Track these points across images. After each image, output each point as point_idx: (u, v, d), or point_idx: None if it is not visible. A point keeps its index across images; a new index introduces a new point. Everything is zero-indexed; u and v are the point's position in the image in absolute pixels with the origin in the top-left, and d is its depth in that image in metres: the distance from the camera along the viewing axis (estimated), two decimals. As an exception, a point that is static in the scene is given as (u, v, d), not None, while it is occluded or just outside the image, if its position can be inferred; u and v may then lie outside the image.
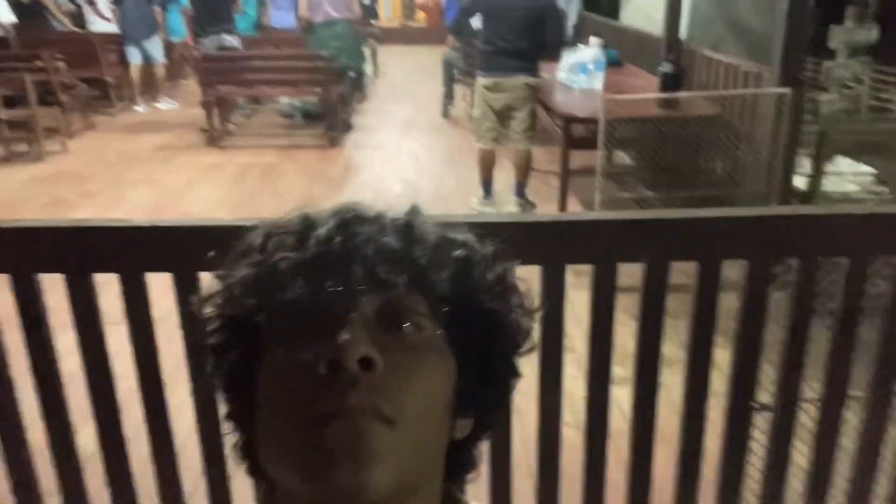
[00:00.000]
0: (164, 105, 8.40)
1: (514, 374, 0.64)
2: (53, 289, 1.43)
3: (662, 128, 3.66)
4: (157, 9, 8.04)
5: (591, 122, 3.91)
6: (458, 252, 0.59)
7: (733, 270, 1.53)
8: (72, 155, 6.38)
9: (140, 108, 8.26)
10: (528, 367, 1.57)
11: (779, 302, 1.63)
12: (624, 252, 1.49)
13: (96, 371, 1.49)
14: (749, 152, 3.80)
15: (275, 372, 0.55)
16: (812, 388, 2.05)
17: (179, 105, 8.45)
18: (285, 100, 7.93)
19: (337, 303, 0.54)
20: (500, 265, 0.62)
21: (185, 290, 1.43)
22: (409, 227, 0.59)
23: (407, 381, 0.53)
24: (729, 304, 1.58)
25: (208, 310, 0.60)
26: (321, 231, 0.57)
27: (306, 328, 0.53)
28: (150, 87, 8.55)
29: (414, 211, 0.61)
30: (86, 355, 1.48)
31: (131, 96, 8.31)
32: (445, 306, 0.58)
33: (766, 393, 1.88)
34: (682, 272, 1.59)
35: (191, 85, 8.02)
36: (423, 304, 0.57)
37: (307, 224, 0.58)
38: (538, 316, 1.49)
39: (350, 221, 0.58)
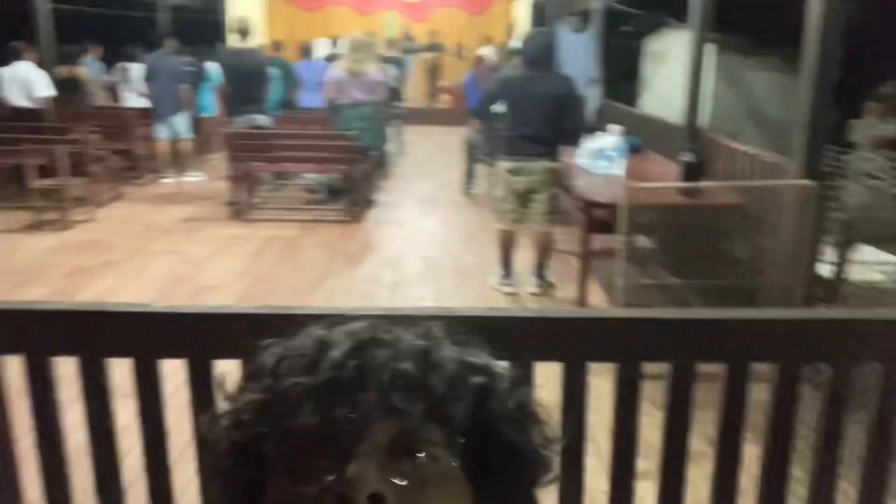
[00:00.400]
0: (191, 178, 8.59)
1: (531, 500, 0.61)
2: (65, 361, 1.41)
3: (684, 216, 3.65)
4: (186, 86, 8.32)
5: (611, 207, 3.92)
6: (477, 380, 0.57)
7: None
8: (98, 224, 6.49)
9: (168, 180, 8.45)
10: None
11: (812, 400, 1.57)
12: (648, 352, 1.45)
13: (102, 450, 1.46)
14: (773, 241, 3.76)
15: (283, 502, 0.52)
16: (846, 495, 1.96)
17: (206, 178, 8.63)
18: (311, 175, 8.09)
19: (348, 431, 0.52)
20: (520, 392, 0.60)
21: (198, 375, 1.41)
22: (426, 352, 0.57)
23: None
24: (758, 395, 1.52)
25: (217, 432, 0.58)
26: (335, 354, 0.55)
27: (315, 457, 0.52)
28: (177, 160, 8.78)
29: (431, 334, 0.59)
30: (93, 434, 1.46)
31: (160, 168, 8.52)
32: (462, 436, 0.56)
33: (794, 498, 1.79)
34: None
35: (219, 159, 8.21)
36: (439, 433, 0.54)
37: (321, 346, 0.57)
38: (557, 408, 1.45)
39: (365, 344, 0.56)
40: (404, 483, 0.50)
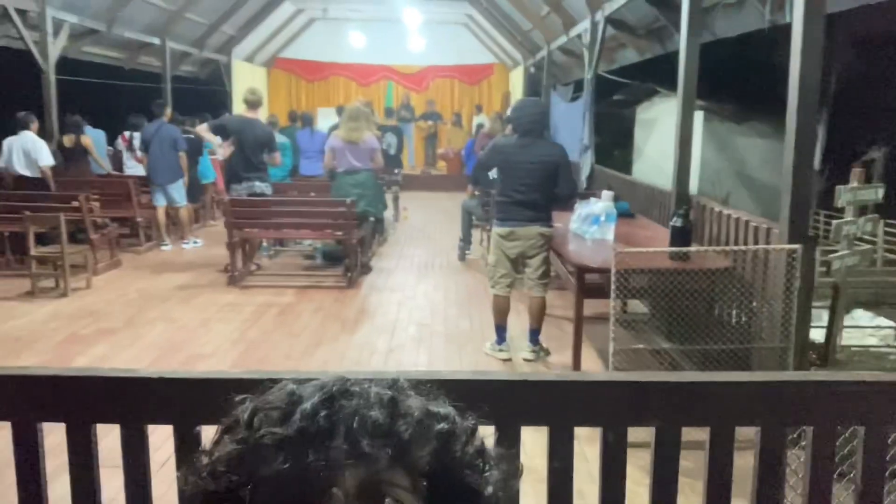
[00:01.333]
0: (190, 245, 8.66)
1: None
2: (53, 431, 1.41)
3: (675, 280, 3.68)
4: (182, 154, 8.47)
5: (603, 271, 3.95)
6: (441, 426, 0.60)
7: (750, 428, 1.49)
8: (95, 291, 6.51)
9: (166, 248, 8.51)
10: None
11: (800, 466, 1.56)
12: (634, 416, 1.46)
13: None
14: (763, 305, 3.79)
15: None
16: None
17: (205, 245, 8.70)
18: (308, 242, 8.16)
19: (319, 477, 0.54)
20: (479, 438, 0.63)
21: (186, 442, 1.41)
22: (392, 400, 0.60)
23: None
24: (747, 462, 1.52)
25: (194, 485, 0.60)
26: (305, 406, 0.58)
27: (288, 503, 0.54)
28: (176, 227, 8.87)
29: (397, 385, 0.62)
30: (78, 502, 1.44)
31: (158, 236, 8.60)
32: (426, 481, 0.58)
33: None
34: (699, 428, 1.55)
35: (219, 225, 8.29)
36: (406, 479, 0.57)
37: (292, 399, 0.60)
38: (546, 477, 1.44)
39: (335, 396, 0.59)
40: None
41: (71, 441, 1.42)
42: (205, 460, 0.61)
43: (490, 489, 0.62)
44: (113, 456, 1.46)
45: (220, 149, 6.94)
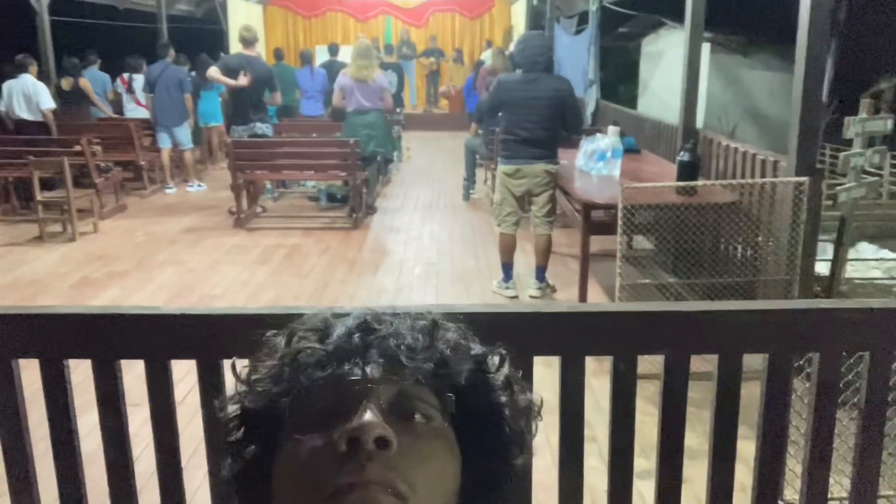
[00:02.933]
0: (194, 188, 8.65)
1: (512, 476, 0.66)
2: (80, 366, 1.46)
3: (681, 214, 3.69)
4: (188, 96, 8.40)
5: (609, 207, 3.96)
6: (476, 350, 0.65)
7: (756, 359, 1.53)
8: (103, 235, 6.55)
9: (171, 191, 8.51)
10: (549, 458, 1.56)
11: (805, 392, 1.61)
12: (643, 345, 1.50)
13: (115, 453, 1.50)
14: (769, 239, 3.80)
15: (294, 455, 0.57)
16: (841, 486, 2.00)
17: (209, 188, 8.70)
18: (312, 183, 8.15)
19: (354, 390, 0.57)
20: (508, 370, 0.67)
21: (208, 376, 1.45)
22: (434, 325, 0.64)
23: (419, 464, 0.56)
24: (753, 392, 1.56)
25: (230, 408, 0.64)
26: (342, 329, 0.62)
27: (325, 413, 0.57)
28: (180, 170, 8.85)
29: (433, 316, 0.66)
30: (106, 438, 1.50)
31: (163, 179, 8.59)
32: (456, 397, 0.61)
33: (792, 491, 1.83)
34: (705, 359, 1.59)
35: (224, 168, 8.28)
36: (433, 398, 0.60)
37: (329, 323, 0.64)
38: (557, 408, 1.49)
39: (369, 322, 0.63)
40: (404, 436, 0.56)
41: (97, 377, 1.46)
42: (241, 386, 0.64)
43: (513, 413, 0.65)
44: (130, 394, 1.50)
45: (243, 79, 6.85)
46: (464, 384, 0.62)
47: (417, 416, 0.58)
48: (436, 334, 0.63)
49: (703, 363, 1.62)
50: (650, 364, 1.64)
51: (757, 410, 1.52)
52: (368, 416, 0.54)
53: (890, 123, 3.72)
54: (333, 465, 0.54)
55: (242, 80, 6.84)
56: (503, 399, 0.64)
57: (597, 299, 4.57)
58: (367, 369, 0.59)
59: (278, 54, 10.50)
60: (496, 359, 0.66)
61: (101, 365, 1.44)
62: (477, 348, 0.65)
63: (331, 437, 0.55)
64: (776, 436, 1.53)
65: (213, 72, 7.10)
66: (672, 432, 1.52)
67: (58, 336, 1.42)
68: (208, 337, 1.41)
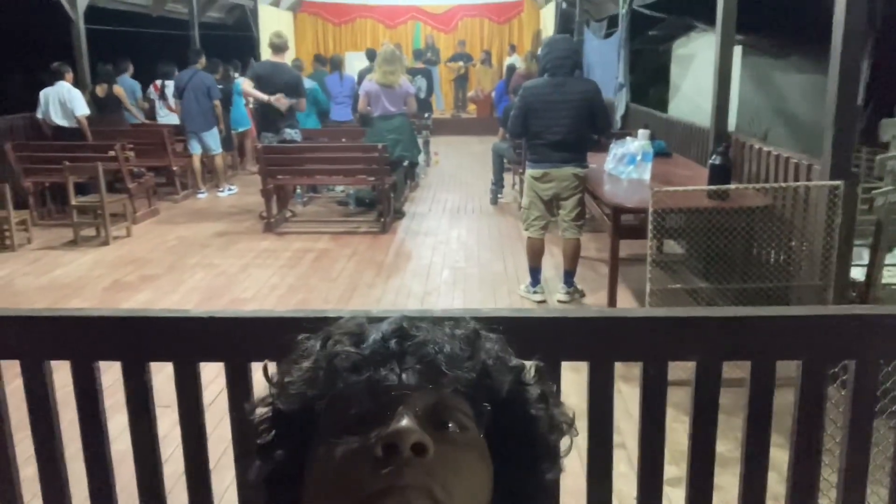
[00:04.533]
0: (225, 192, 8.76)
1: (543, 490, 0.66)
2: (110, 369, 1.47)
3: (712, 219, 3.64)
4: (217, 103, 8.51)
5: (640, 211, 3.91)
6: (514, 362, 0.65)
7: (790, 366, 1.49)
8: (135, 239, 6.66)
9: (202, 195, 8.63)
10: (578, 464, 1.54)
11: (840, 400, 1.57)
12: (674, 351, 1.47)
13: (145, 454, 1.52)
14: (803, 243, 3.73)
15: (328, 458, 0.57)
16: (878, 496, 1.94)
17: (240, 192, 8.80)
18: (340, 188, 8.20)
19: (391, 395, 0.57)
20: (545, 383, 0.66)
21: (237, 378, 1.46)
22: (476, 334, 0.64)
23: (455, 472, 0.55)
24: (786, 400, 1.53)
25: (261, 410, 0.64)
26: (377, 334, 0.62)
27: (360, 418, 0.57)
28: (211, 175, 8.97)
29: (466, 323, 0.66)
30: (136, 440, 1.51)
31: (195, 184, 8.71)
32: (494, 409, 0.61)
33: (826, 500, 1.78)
34: (737, 366, 1.55)
35: (254, 173, 8.38)
36: (469, 408, 0.60)
37: (364, 329, 0.63)
38: (586, 413, 1.47)
39: (405, 328, 0.63)
40: (439, 443, 0.55)
41: (127, 380, 1.48)
42: (274, 389, 0.64)
43: (547, 427, 0.65)
44: (159, 396, 1.52)
45: (279, 102, 6.90)
46: (503, 397, 0.61)
47: (451, 426, 0.58)
48: (477, 344, 0.62)
49: (735, 369, 1.59)
50: (680, 370, 1.62)
51: (791, 418, 1.49)
52: (406, 422, 0.54)
53: (929, 126, 3.64)
54: (369, 469, 0.54)
55: (280, 101, 6.88)
56: (539, 413, 0.64)
57: (626, 303, 4.52)
58: (404, 376, 0.58)
59: (320, 60, 10.63)
60: (532, 371, 0.66)
61: (130, 367, 1.46)
62: (515, 360, 0.65)
63: (367, 441, 0.55)
64: (810, 445, 1.49)
65: (247, 86, 7.17)
66: (703, 439, 1.49)
67: (88, 338, 1.43)
68: (237, 340, 1.42)
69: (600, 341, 1.45)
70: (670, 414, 1.49)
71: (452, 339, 0.62)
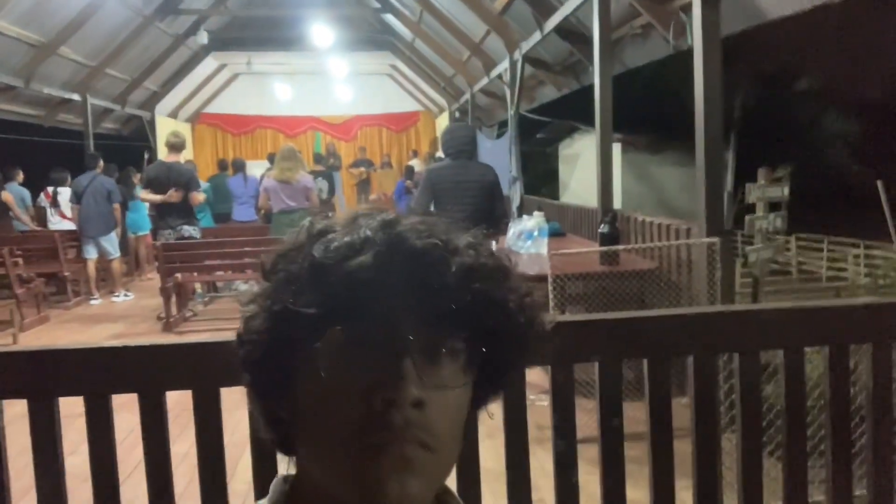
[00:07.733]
0: (121, 298, 8.44)
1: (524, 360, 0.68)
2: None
3: (606, 283, 3.87)
4: (117, 206, 8.36)
5: (541, 279, 4.11)
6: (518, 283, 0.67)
7: (678, 410, 1.61)
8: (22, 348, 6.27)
9: (95, 301, 8.27)
10: None
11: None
12: (578, 353, 1.58)
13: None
14: (690, 302, 4.01)
15: (327, 388, 0.59)
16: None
17: (136, 297, 8.50)
18: (243, 286, 8.07)
19: (398, 329, 0.58)
20: (526, 285, 0.68)
21: (205, 405, 1.47)
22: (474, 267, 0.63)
23: (443, 416, 0.60)
24: (685, 448, 1.62)
25: (250, 307, 0.64)
26: (381, 248, 0.60)
27: (364, 344, 0.58)
28: (106, 280, 8.64)
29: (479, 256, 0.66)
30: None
31: (88, 290, 8.36)
32: (481, 355, 0.63)
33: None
34: (639, 420, 1.63)
35: (152, 279, 8.13)
36: (462, 337, 0.61)
37: (357, 235, 0.62)
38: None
39: (391, 223, 0.64)
40: (431, 383, 0.59)
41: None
42: (259, 292, 0.64)
43: (528, 325, 0.65)
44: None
45: (171, 197, 6.87)
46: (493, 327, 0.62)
47: (444, 354, 0.60)
48: (472, 275, 0.61)
49: (639, 424, 1.65)
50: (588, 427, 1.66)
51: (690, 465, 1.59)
52: (406, 375, 0.57)
53: (786, 190, 4.07)
54: (367, 416, 0.56)
55: (174, 196, 6.86)
56: (520, 319, 0.64)
57: (535, 374, 4.61)
58: (409, 306, 0.58)
59: (223, 165, 10.78)
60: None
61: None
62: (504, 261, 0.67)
63: (368, 385, 0.57)
64: (708, 435, 1.60)
65: (144, 195, 7.12)
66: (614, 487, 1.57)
67: (49, 373, 1.41)
68: (202, 366, 1.45)
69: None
70: (583, 468, 1.56)
71: (447, 265, 0.61)
